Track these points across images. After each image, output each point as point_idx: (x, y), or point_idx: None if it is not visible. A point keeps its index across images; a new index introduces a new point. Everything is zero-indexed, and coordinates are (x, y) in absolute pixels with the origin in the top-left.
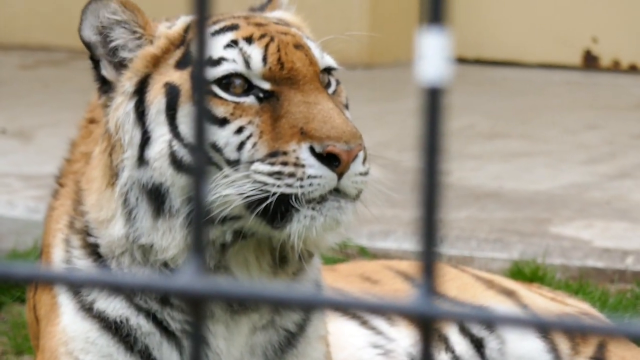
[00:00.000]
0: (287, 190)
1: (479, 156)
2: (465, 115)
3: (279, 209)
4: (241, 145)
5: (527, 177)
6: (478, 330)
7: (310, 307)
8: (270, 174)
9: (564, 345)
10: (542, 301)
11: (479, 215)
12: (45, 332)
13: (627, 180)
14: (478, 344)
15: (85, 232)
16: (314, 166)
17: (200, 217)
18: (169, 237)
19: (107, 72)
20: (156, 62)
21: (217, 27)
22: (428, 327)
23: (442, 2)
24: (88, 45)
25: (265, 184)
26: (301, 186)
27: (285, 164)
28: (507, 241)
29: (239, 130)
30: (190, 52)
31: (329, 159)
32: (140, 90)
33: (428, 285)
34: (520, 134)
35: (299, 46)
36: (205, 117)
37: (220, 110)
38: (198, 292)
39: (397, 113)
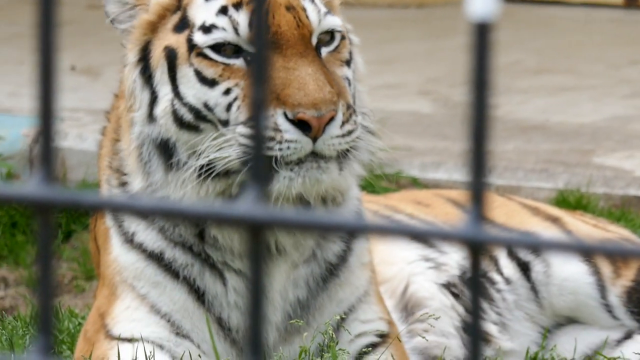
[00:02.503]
0: (267, 153)
1: (526, 91)
2: (513, 51)
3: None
4: (229, 107)
5: (572, 111)
6: (525, 255)
7: (359, 232)
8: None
9: (606, 268)
10: (585, 227)
11: (526, 147)
12: (103, 261)
13: None
14: (525, 267)
15: (121, 172)
16: (289, 131)
17: (258, 147)
18: (180, 190)
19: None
20: (154, 28)
21: None
22: (477, 252)
23: None
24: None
25: (248, 146)
26: (280, 149)
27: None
28: (552, 171)
29: (227, 91)
30: (187, 17)
31: (302, 125)
32: (145, 57)
33: (477, 211)
34: (566, 70)
35: (290, 8)
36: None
37: (210, 72)
38: (258, 220)
39: (448, 50)
